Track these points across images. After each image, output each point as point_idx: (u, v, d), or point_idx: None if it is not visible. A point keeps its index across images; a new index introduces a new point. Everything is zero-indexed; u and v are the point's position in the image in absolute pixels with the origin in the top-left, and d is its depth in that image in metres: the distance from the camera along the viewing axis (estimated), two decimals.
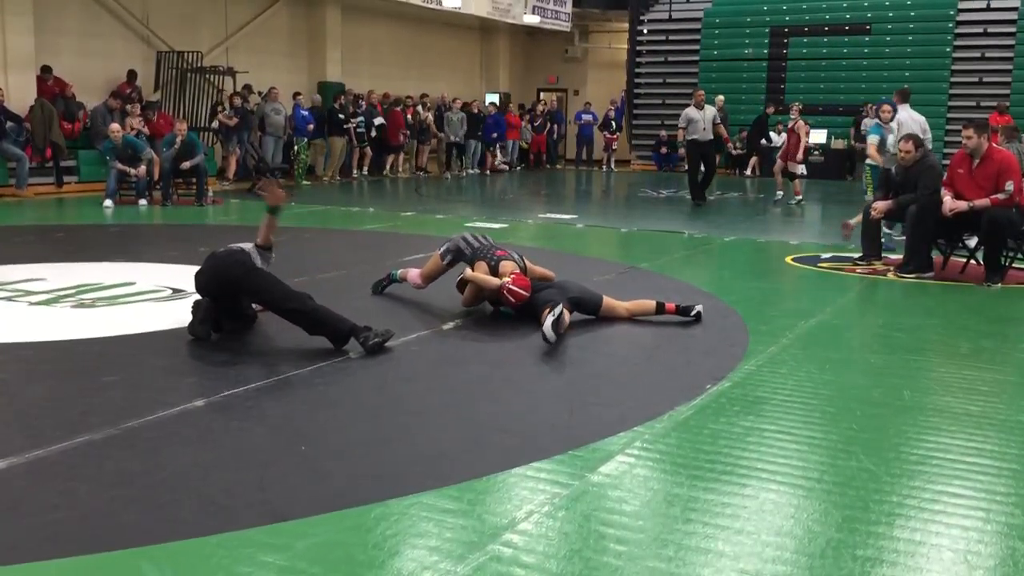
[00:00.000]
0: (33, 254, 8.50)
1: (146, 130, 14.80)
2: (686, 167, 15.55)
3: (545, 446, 3.76)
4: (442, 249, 6.48)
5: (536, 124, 24.15)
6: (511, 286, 5.85)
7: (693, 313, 6.01)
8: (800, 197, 15.09)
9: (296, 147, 17.06)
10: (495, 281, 5.95)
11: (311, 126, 17.26)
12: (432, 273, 6.55)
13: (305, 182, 17.11)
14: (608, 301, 6.09)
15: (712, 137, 14.58)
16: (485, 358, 5.38)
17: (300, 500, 3.19)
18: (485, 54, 25.97)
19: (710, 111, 14.61)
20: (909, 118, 11.16)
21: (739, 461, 3.65)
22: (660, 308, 6.04)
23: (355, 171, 18.82)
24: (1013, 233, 7.84)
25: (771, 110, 20.06)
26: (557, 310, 5.37)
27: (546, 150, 24.58)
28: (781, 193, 15.25)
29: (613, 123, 23.96)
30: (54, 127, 13.96)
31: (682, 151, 14.63)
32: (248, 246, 5.61)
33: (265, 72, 18.13)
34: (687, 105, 22.53)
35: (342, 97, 18.35)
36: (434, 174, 20.65)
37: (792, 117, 15.17)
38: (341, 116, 17.94)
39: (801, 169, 15.08)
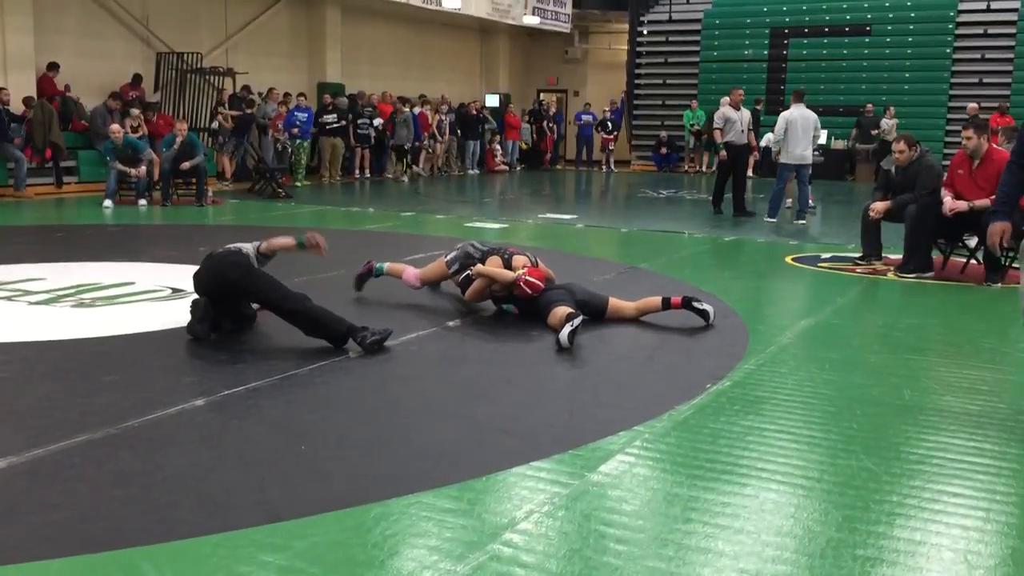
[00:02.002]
0: (33, 254, 8.50)
1: (144, 129, 14.80)
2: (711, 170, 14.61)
3: (545, 446, 3.75)
4: (449, 257, 6.40)
5: (549, 125, 24.32)
6: (527, 277, 5.85)
7: (700, 307, 5.94)
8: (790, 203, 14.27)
9: (289, 148, 16.86)
10: (510, 274, 5.92)
11: (295, 128, 16.83)
12: (434, 278, 6.48)
13: (300, 183, 16.94)
14: (614, 302, 6.07)
15: (747, 141, 13.38)
16: (485, 358, 5.38)
17: (300, 500, 3.19)
18: (485, 55, 25.99)
19: (746, 113, 13.35)
20: (800, 116, 11.90)
21: (739, 461, 3.65)
22: (666, 303, 6.01)
23: (356, 171, 18.80)
24: (1013, 233, 7.82)
25: (759, 106, 19.96)
26: (577, 321, 5.36)
27: (543, 151, 24.65)
28: (790, 200, 14.10)
29: (609, 124, 23.98)
30: (54, 127, 13.97)
31: (723, 153, 13.11)
32: (247, 247, 5.60)
33: (265, 73, 18.14)
34: (687, 106, 22.81)
35: (327, 96, 18.29)
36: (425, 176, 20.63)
37: None
38: (331, 117, 17.79)
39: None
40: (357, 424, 4.07)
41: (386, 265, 6.68)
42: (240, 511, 3.09)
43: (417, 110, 20.11)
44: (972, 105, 19.33)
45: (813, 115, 12.16)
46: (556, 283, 6.23)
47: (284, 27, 19.57)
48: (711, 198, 13.73)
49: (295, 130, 16.85)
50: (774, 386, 4.70)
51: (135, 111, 14.72)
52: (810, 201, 13.16)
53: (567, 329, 5.30)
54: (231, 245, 5.64)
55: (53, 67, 14.78)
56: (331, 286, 6.79)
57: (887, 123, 19.83)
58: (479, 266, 6.09)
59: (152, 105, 15.92)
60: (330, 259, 8.36)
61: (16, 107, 13.86)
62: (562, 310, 5.56)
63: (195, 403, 4.21)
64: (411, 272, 6.55)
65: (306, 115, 17.20)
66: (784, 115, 12.11)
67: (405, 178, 19.38)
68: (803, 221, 12.23)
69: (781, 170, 12.16)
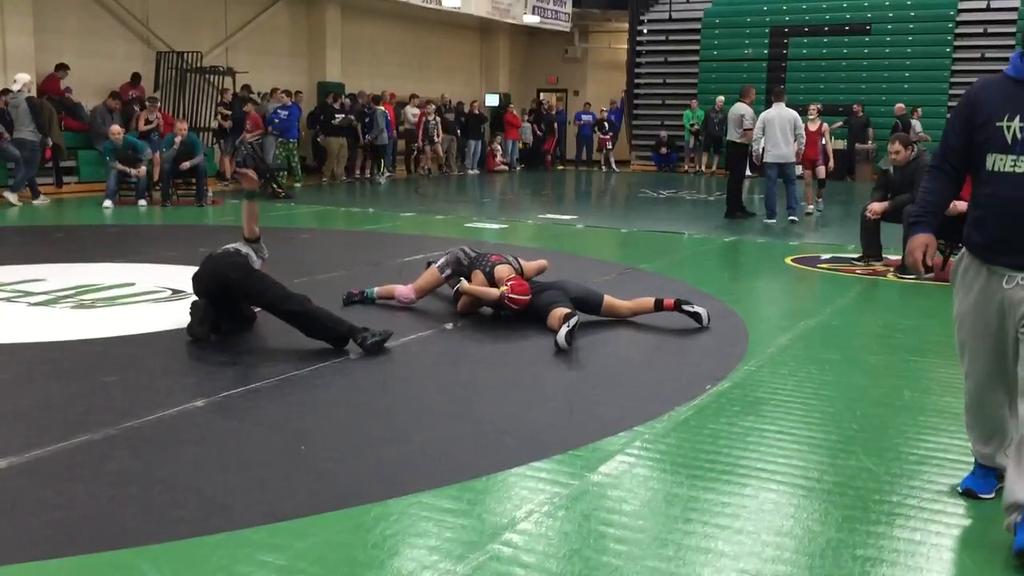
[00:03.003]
0: (33, 255, 8.50)
1: (160, 120, 14.77)
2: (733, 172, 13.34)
3: (545, 446, 3.76)
4: (440, 263, 6.38)
5: (553, 124, 24.42)
6: (511, 295, 5.82)
7: (692, 310, 5.93)
8: (812, 207, 13.48)
9: (256, 149, 15.92)
10: (494, 292, 5.91)
11: (267, 127, 16.17)
12: (428, 287, 6.41)
13: (299, 183, 16.62)
14: (609, 300, 6.08)
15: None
16: (485, 358, 5.38)
17: (300, 500, 3.19)
18: (485, 54, 25.99)
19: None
20: (778, 115, 12.04)
21: (739, 461, 3.65)
22: (659, 305, 6.02)
23: (357, 171, 18.71)
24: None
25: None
26: (573, 321, 5.35)
27: (548, 150, 24.67)
28: (811, 207, 13.44)
29: (606, 124, 23.97)
30: (54, 128, 13.96)
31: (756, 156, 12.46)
32: (243, 247, 5.60)
33: (265, 72, 18.13)
34: (687, 106, 22.79)
35: (343, 97, 18.19)
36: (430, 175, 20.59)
37: (811, 117, 13.85)
38: (340, 116, 17.63)
39: (820, 173, 13.68)
40: (357, 424, 4.08)
41: (376, 290, 6.52)
42: (240, 511, 3.09)
43: (415, 110, 20.01)
44: (899, 105, 19.35)
45: (792, 113, 12.22)
46: (550, 280, 6.22)
47: (284, 26, 19.56)
48: (764, 205, 12.62)
49: (269, 127, 16.02)
50: (774, 387, 4.71)
51: (148, 102, 14.69)
52: (806, 205, 13.07)
53: (563, 331, 5.29)
54: (229, 246, 5.63)
55: (61, 67, 14.75)
56: (330, 287, 6.79)
57: (915, 123, 19.88)
58: (464, 284, 6.05)
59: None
60: (330, 260, 8.37)
61: None
62: (559, 311, 5.56)
63: (195, 404, 4.21)
64: (402, 289, 6.44)
65: (287, 112, 16.29)
66: (763, 115, 12.19)
67: (381, 179, 18.68)
68: (795, 219, 12.23)
69: (766, 170, 12.25)
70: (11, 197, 12.68)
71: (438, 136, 20.41)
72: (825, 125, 14.19)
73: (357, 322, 5.24)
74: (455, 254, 6.37)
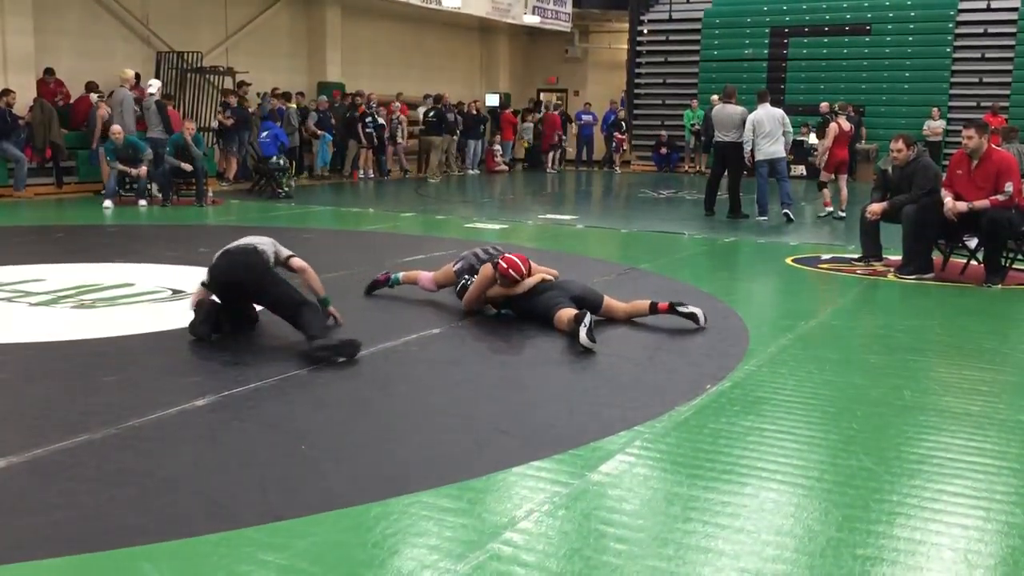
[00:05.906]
0: (33, 255, 8.50)
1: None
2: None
3: (545, 446, 3.76)
4: (456, 267, 6.45)
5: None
6: (502, 261, 5.89)
7: (687, 310, 5.87)
8: (831, 209, 13.12)
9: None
10: (490, 272, 5.92)
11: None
12: (444, 283, 6.57)
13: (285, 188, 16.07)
14: (608, 301, 6.08)
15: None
16: (485, 358, 5.38)
17: (300, 500, 3.19)
18: (485, 54, 25.99)
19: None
20: (766, 115, 12.31)
21: (739, 460, 3.65)
22: (653, 308, 5.99)
23: (362, 170, 18.69)
24: (1013, 234, 7.84)
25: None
26: (587, 320, 5.32)
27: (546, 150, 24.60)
28: (830, 209, 13.18)
29: (623, 124, 23.90)
30: (53, 127, 13.97)
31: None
32: (266, 245, 5.54)
33: (265, 72, 18.14)
34: (687, 106, 22.80)
35: (356, 97, 18.46)
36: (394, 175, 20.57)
37: (841, 116, 13.36)
38: (368, 119, 18.27)
39: (824, 176, 13.34)
40: (357, 424, 4.08)
41: (401, 274, 6.80)
42: (240, 511, 3.09)
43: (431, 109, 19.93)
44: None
45: (778, 112, 12.51)
46: (554, 280, 6.21)
47: (284, 26, 19.57)
48: (756, 204, 12.70)
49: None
50: (774, 386, 4.70)
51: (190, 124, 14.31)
52: (834, 210, 12.94)
53: (583, 331, 5.26)
54: (247, 242, 5.57)
55: (49, 72, 14.76)
56: (332, 287, 6.78)
57: (932, 124, 19.86)
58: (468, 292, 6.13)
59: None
60: (333, 260, 8.36)
61: (21, 108, 13.84)
62: (567, 312, 5.55)
63: (195, 403, 4.21)
64: (426, 276, 6.64)
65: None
66: (751, 116, 12.35)
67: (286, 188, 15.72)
68: (788, 212, 12.24)
69: (757, 167, 12.45)
70: (143, 203, 12.99)
71: (402, 137, 20.12)
72: (843, 125, 13.24)
73: (362, 323, 5.22)
74: (469, 259, 6.44)
